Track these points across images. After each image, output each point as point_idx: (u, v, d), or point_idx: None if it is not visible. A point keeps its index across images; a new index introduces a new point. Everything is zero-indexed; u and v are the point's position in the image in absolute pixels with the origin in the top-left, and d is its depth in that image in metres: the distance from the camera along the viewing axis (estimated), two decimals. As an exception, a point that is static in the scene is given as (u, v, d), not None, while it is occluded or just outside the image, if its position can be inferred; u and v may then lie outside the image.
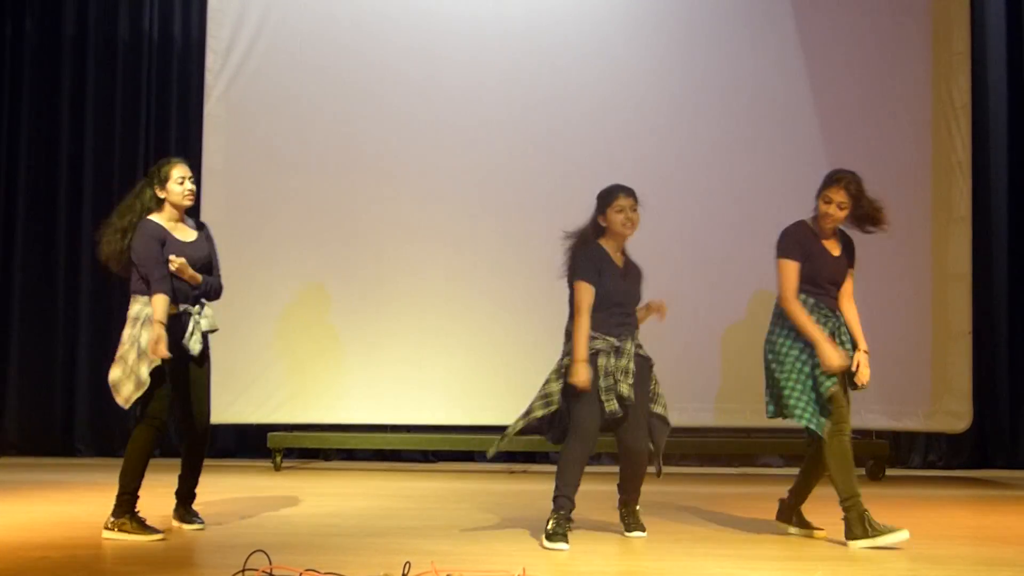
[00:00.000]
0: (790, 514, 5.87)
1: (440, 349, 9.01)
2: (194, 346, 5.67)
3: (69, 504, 6.84)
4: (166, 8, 10.28)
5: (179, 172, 5.72)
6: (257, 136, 9.25)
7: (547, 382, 5.74)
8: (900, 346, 8.78)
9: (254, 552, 4.61)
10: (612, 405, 5.53)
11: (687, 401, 8.85)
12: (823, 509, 5.83)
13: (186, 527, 5.87)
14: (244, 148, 9.26)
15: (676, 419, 8.89)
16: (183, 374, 5.72)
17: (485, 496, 7.59)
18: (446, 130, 9.16)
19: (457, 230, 9.08)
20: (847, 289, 5.81)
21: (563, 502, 5.53)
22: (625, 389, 5.54)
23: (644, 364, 5.76)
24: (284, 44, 9.30)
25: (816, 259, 5.67)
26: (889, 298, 8.82)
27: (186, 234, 5.77)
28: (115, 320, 10.01)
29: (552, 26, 9.17)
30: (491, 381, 8.91)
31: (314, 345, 8.99)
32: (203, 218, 9.07)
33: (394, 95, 9.20)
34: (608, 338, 5.63)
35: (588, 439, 5.59)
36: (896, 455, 9.42)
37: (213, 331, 5.79)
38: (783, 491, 6.21)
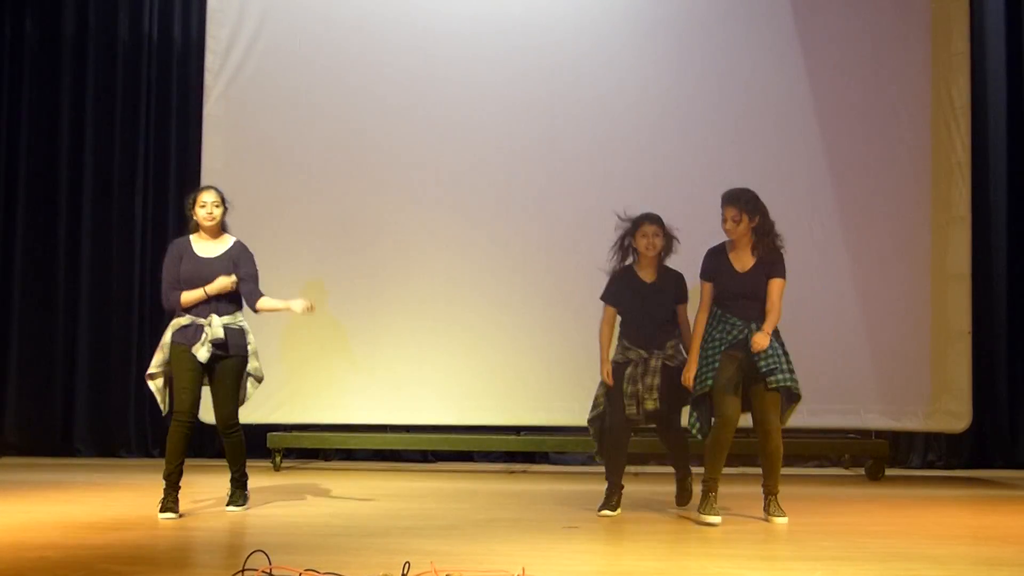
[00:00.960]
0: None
1: (439, 350, 9.01)
2: (203, 355, 6.31)
3: (68, 504, 6.83)
4: (166, 8, 10.29)
5: (202, 197, 6.50)
6: (256, 136, 9.26)
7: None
8: (899, 346, 8.79)
9: (254, 552, 4.61)
10: (631, 410, 6.40)
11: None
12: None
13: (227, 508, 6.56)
14: (243, 148, 9.27)
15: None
16: (197, 368, 6.35)
17: (484, 496, 7.59)
18: (445, 130, 9.16)
19: (457, 230, 9.08)
20: (775, 293, 6.32)
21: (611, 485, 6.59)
22: (651, 405, 6.38)
23: (675, 373, 6.45)
24: (283, 44, 9.31)
25: (722, 276, 6.29)
26: (889, 298, 8.83)
27: (211, 250, 6.49)
28: (114, 321, 10.06)
29: (552, 25, 9.17)
30: (490, 382, 8.92)
31: (314, 345, 8.99)
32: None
33: (393, 95, 9.21)
34: (639, 350, 6.46)
35: (617, 433, 6.53)
36: (895, 455, 9.42)
37: (222, 341, 6.34)
38: (783, 490, 6.26)
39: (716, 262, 6.35)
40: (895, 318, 8.83)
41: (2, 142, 10.26)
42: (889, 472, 8.95)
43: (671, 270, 6.67)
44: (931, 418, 8.82)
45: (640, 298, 6.54)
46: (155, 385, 6.48)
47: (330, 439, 9.35)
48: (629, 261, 6.65)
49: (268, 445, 9.01)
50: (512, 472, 9.11)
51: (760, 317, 6.24)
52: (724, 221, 6.31)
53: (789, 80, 9.02)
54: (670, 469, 9.42)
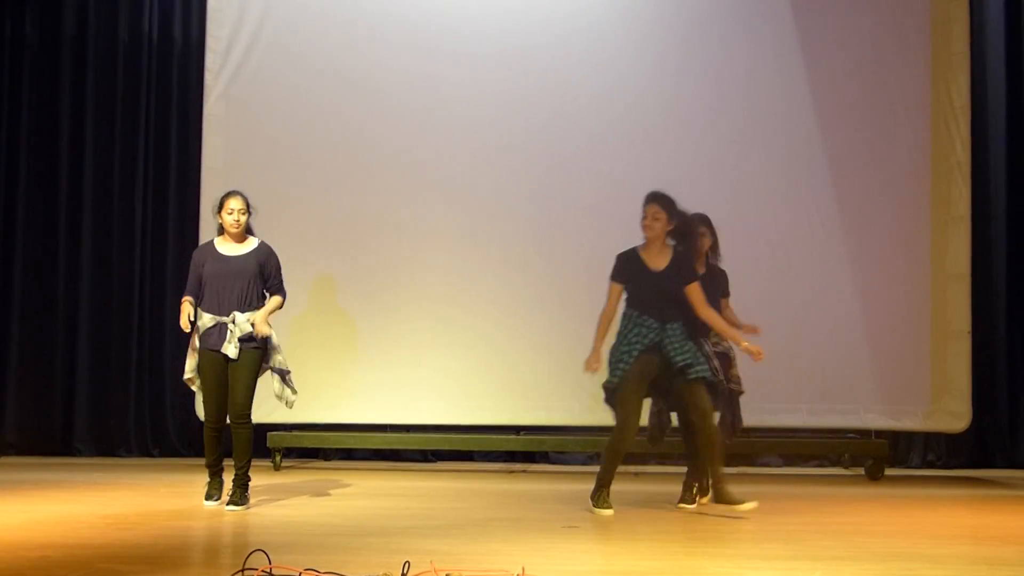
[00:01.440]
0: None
1: (439, 349, 9.02)
2: (232, 352, 6.58)
3: (68, 503, 6.83)
4: (166, 8, 10.28)
5: (229, 204, 6.70)
6: (256, 135, 9.26)
7: None
8: (899, 346, 8.80)
9: (254, 551, 4.61)
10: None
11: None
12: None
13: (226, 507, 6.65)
14: (244, 147, 9.27)
15: (677, 419, 8.94)
16: (223, 375, 6.65)
17: (484, 496, 7.59)
18: (444, 130, 9.17)
19: (456, 230, 9.09)
20: (696, 300, 6.46)
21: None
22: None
23: (722, 358, 6.73)
24: (283, 43, 9.31)
25: (636, 278, 6.48)
26: (888, 298, 8.84)
27: (235, 249, 6.71)
28: (114, 321, 10.05)
29: (551, 24, 9.18)
30: (490, 381, 8.92)
31: (314, 345, 8.98)
32: (202, 218, 9.18)
33: (393, 94, 9.21)
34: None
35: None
36: (895, 455, 9.43)
37: (249, 336, 6.60)
38: (783, 490, 6.25)
39: (627, 264, 6.54)
40: (895, 318, 8.83)
41: (2, 142, 10.25)
42: (889, 472, 8.96)
43: (716, 267, 6.95)
44: (931, 418, 8.82)
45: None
46: (195, 387, 6.84)
47: (330, 438, 9.35)
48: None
49: (268, 444, 9.01)
50: (512, 472, 9.11)
51: (677, 318, 6.43)
52: (644, 218, 6.52)
53: (789, 79, 9.03)
54: (670, 468, 9.46)
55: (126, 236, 10.15)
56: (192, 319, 6.60)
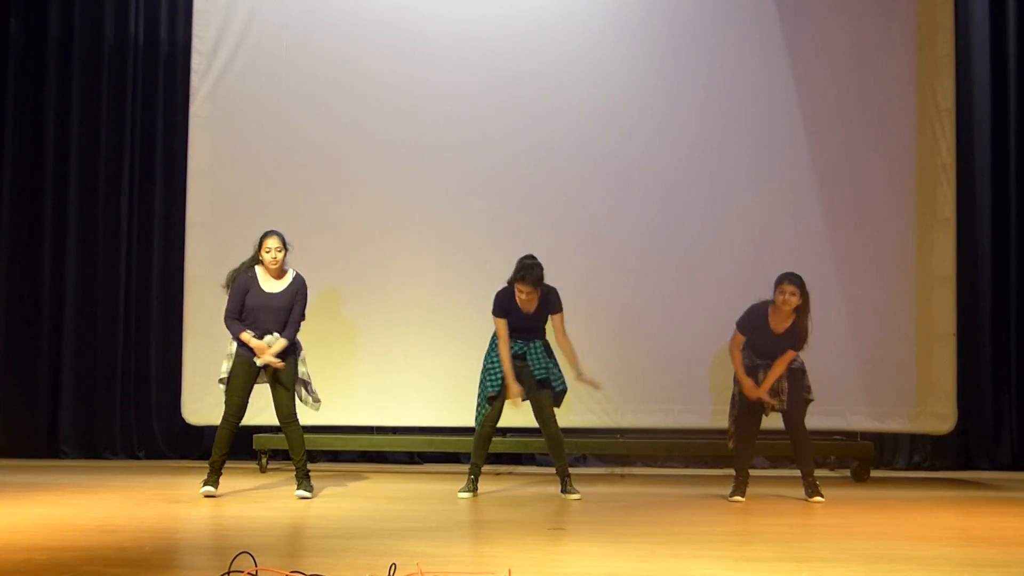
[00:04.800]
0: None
1: (425, 352, 9.01)
2: (261, 363, 7.34)
3: (54, 506, 6.81)
4: (152, 9, 10.25)
5: (268, 243, 7.38)
6: (243, 137, 9.25)
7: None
8: (885, 348, 8.82)
9: (240, 554, 4.60)
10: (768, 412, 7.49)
11: (673, 403, 8.89)
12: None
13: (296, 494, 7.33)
14: (230, 149, 9.25)
15: (662, 421, 8.99)
16: (252, 379, 7.39)
17: (470, 499, 7.58)
18: (432, 133, 9.17)
19: (442, 233, 9.08)
20: (557, 327, 7.61)
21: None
22: (778, 406, 7.45)
23: (794, 376, 7.50)
24: (270, 45, 9.29)
25: (513, 315, 7.51)
26: (874, 300, 8.85)
27: (274, 286, 7.42)
28: (99, 324, 10.02)
29: (537, 26, 9.18)
30: (475, 383, 8.86)
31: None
32: (188, 220, 9.19)
33: (380, 95, 9.21)
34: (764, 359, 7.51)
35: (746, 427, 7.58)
36: (881, 456, 9.45)
37: (281, 355, 7.34)
38: (769, 492, 6.26)
39: (507, 303, 7.52)
40: (880, 320, 8.85)
41: (-13, 144, 10.23)
42: (874, 474, 8.98)
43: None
44: (916, 420, 8.84)
45: (770, 344, 7.48)
46: (224, 387, 7.43)
47: (316, 440, 9.31)
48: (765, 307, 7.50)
49: (254, 447, 8.99)
50: (498, 474, 9.10)
51: (540, 334, 7.59)
52: (521, 293, 7.46)
53: (774, 82, 9.04)
54: (657, 471, 9.47)
55: (112, 238, 10.12)
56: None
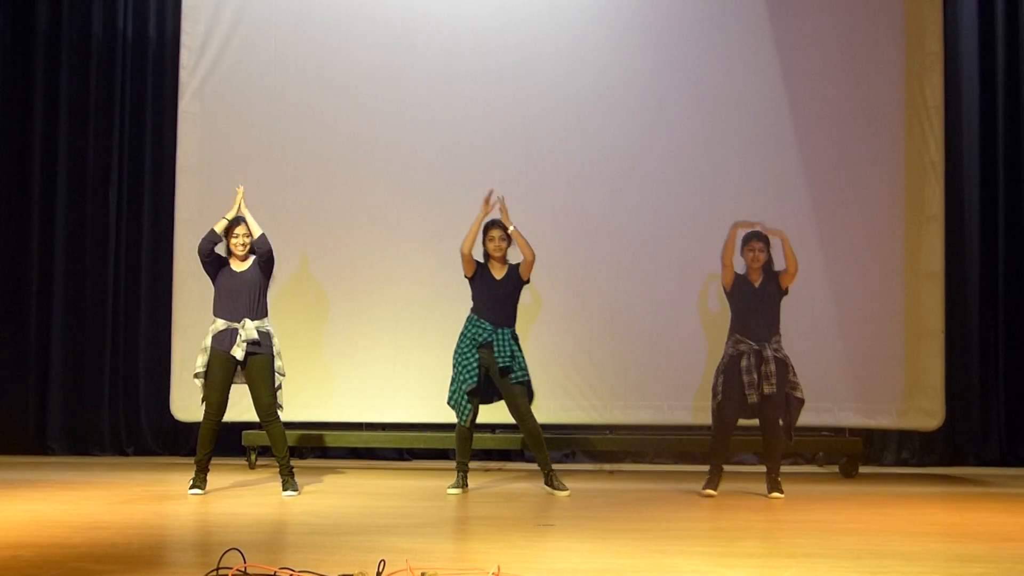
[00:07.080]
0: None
1: (414, 348, 9.01)
2: (239, 354, 7.23)
3: (41, 503, 6.79)
4: (140, 5, 10.24)
5: (237, 230, 7.46)
6: (231, 133, 9.24)
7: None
8: (873, 344, 8.84)
9: (228, 550, 4.60)
10: (752, 398, 7.31)
11: (663, 399, 8.89)
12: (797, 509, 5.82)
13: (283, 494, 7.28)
14: (218, 145, 9.25)
15: (652, 417, 9.00)
16: (229, 374, 7.31)
17: (459, 494, 7.58)
18: (420, 129, 9.17)
19: (431, 230, 9.07)
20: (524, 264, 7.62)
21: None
22: (767, 388, 7.33)
23: (780, 364, 7.41)
24: (258, 41, 9.29)
25: (481, 284, 7.61)
26: (862, 297, 8.87)
27: (241, 266, 7.42)
28: (87, 320, 10.00)
29: (526, 23, 9.19)
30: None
31: (288, 343, 8.92)
32: (177, 215, 9.18)
33: (368, 91, 9.21)
34: (750, 343, 7.40)
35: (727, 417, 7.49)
36: (869, 452, 9.48)
37: (256, 340, 7.25)
38: (757, 488, 6.26)
39: (481, 272, 7.63)
40: (869, 317, 8.87)
41: (-26, 139, 10.19)
42: (863, 470, 9.00)
43: (774, 272, 7.59)
44: (904, 416, 8.87)
45: (752, 298, 7.54)
46: (200, 383, 7.36)
47: (305, 437, 9.32)
48: (743, 271, 7.63)
49: (243, 443, 8.98)
50: (487, 470, 9.10)
51: (510, 320, 7.58)
52: (492, 240, 7.64)
53: (763, 80, 9.06)
54: (646, 467, 9.48)
55: (100, 234, 10.10)
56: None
